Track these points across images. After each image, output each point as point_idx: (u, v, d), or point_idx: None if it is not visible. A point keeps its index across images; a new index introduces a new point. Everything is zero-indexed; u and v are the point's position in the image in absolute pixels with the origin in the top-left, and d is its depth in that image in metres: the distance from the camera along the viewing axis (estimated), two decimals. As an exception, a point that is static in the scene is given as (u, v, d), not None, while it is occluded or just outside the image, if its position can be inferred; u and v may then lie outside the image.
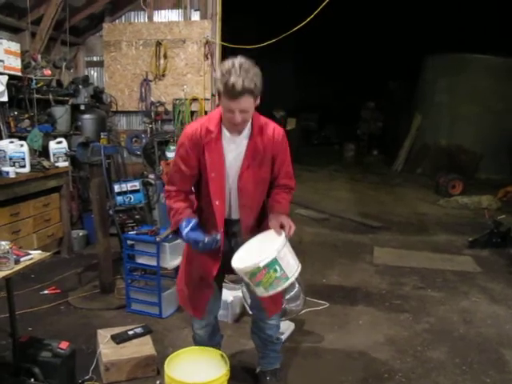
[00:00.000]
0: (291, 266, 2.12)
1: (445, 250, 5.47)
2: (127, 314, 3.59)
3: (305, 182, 9.28)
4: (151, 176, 5.34)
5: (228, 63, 2.03)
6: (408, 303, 3.95)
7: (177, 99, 6.16)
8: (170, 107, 6.20)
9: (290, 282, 2.12)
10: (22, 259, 2.37)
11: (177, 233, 2.30)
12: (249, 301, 3.27)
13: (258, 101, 2.13)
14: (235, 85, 1.97)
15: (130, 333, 2.93)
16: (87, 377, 2.71)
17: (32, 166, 4.42)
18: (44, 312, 3.59)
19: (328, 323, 3.55)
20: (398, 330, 3.47)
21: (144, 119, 6.34)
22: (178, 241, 3.66)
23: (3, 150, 4.30)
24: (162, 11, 6.35)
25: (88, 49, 6.62)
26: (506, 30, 10.50)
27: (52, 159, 4.82)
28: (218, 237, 2.21)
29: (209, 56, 6.08)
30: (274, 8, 12.59)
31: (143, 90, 6.25)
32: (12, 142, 4.40)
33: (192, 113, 6.15)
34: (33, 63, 5.20)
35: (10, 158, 4.29)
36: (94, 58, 6.63)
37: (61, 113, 5.35)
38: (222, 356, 2.31)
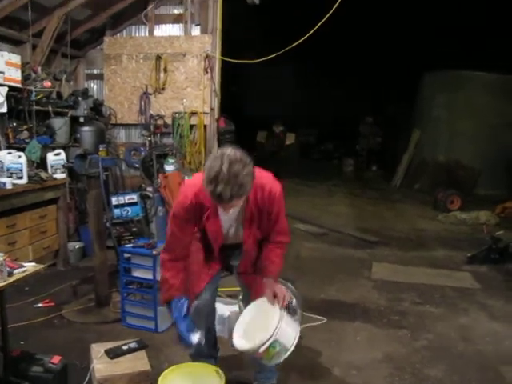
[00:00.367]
0: (289, 337, 2.18)
1: (443, 265, 5.44)
2: (122, 328, 3.54)
3: (304, 197, 9.29)
4: (149, 189, 5.33)
5: (216, 166, 1.90)
6: (406, 319, 3.91)
7: (176, 112, 6.18)
8: (169, 120, 6.22)
9: (290, 351, 2.19)
10: (15, 271, 2.34)
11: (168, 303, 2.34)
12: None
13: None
14: (222, 194, 1.90)
15: (125, 347, 2.87)
16: (80, 392, 2.66)
17: (29, 177, 4.41)
18: (37, 325, 3.54)
19: (325, 339, 3.51)
20: (396, 347, 3.43)
21: (143, 132, 6.35)
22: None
23: (1, 161, 4.31)
24: (163, 25, 6.42)
25: (88, 61, 6.66)
26: (502, 48, 10.62)
27: (50, 171, 4.81)
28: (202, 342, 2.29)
29: (208, 70, 6.13)
30: (275, 23, 12.73)
31: (143, 103, 6.28)
32: (10, 153, 4.40)
33: (191, 126, 6.17)
34: (33, 75, 5.23)
35: (8, 169, 4.29)
36: (95, 71, 6.68)
37: (60, 124, 5.36)
38: (217, 372, 2.27)
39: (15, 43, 5.35)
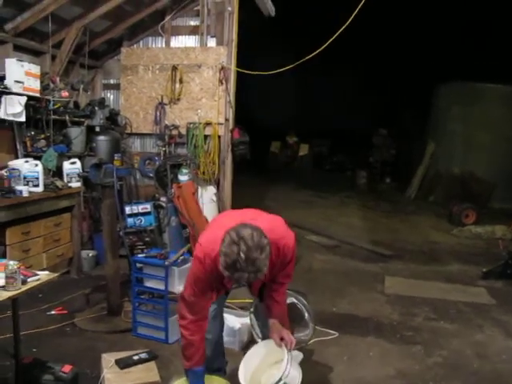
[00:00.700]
0: (294, 379, 2.25)
1: (458, 280, 5.36)
2: (133, 338, 3.54)
3: (316, 208, 9.26)
4: (163, 199, 5.35)
5: (233, 253, 1.90)
6: (420, 335, 3.85)
7: (191, 123, 6.22)
8: (183, 131, 6.26)
9: None
10: (29, 279, 2.37)
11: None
12: (257, 328, 3.23)
13: None
14: (240, 280, 1.98)
15: (135, 358, 2.88)
16: (90, 402, 2.67)
17: (45, 185, 4.47)
18: (50, 333, 3.56)
19: (337, 354, 3.47)
20: (410, 363, 3.37)
21: (158, 142, 6.41)
22: (187, 265, 3.64)
23: (18, 169, 4.36)
24: (180, 37, 6.49)
25: (106, 72, 6.76)
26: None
27: (65, 179, 4.88)
28: None
29: (223, 81, 6.16)
30: (289, 34, 12.80)
31: (158, 113, 6.33)
32: (27, 162, 4.46)
33: (205, 137, 6.20)
34: (51, 85, 5.31)
35: (25, 178, 4.35)
36: (111, 81, 6.77)
37: (76, 134, 5.43)
38: (227, 385, 2.26)
39: (35, 54, 5.46)
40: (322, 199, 10.69)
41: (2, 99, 4.47)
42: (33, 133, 5.08)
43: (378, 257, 6.23)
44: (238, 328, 3.38)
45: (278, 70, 6.07)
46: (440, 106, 11.52)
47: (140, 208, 4.90)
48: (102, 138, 5.67)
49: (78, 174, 4.81)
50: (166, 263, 3.43)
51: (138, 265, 3.65)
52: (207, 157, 6.17)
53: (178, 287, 3.51)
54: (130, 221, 4.83)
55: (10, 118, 4.59)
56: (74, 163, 4.99)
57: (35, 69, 4.87)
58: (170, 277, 3.50)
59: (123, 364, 2.79)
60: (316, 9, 10.66)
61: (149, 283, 3.62)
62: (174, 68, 6.25)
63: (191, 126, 6.20)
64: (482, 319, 4.23)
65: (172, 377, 2.81)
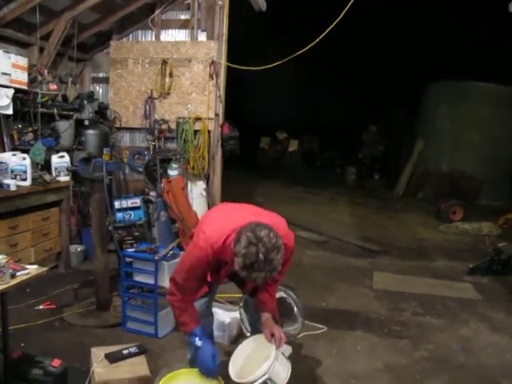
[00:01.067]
0: (281, 376, 2.28)
1: (445, 276, 5.43)
2: (122, 333, 3.54)
3: (306, 204, 9.29)
4: (152, 193, 5.33)
5: (252, 254, 1.94)
6: (407, 330, 3.90)
7: (180, 118, 6.19)
8: (173, 125, 6.23)
9: None
10: (18, 273, 2.35)
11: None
12: (246, 322, 3.24)
13: None
14: (256, 281, 2.03)
15: (125, 352, 2.87)
16: (79, 396, 2.66)
17: (33, 179, 4.42)
18: (38, 328, 3.54)
19: (326, 348, 3.50)
20: (397, 357, 3.42)
21: (147, 136, 6.37)
22: (177, 260, 3.64)
23: (5, 163, 4.31)
24: (170, 30, 6.45)
25: (94, 65, 6.70)
26: (506, 59, 10.64)
27: (54, 173, 4.83)
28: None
29: (214, 76, 6.14)
30: (279, 30, 12.79)
31: (147, 108, 6.30)
32: (15, 155, 4.41)
33: (195, 132, 6.19)
34: (39, 78, 5.25)
35: (12, 171, 4.30)
36: (100, 75, 6.71)
37: (64, 127, 5.38)
38: (217, 378, 2.26)
39: (23, 45, 5.38)
40: (312, 195, 10.73)
41: (-11, 92, 4.41)
42: (20, 126, 5.00)
43: (366, 252, 6.28)
44: (228, 322, 3.39)
45: (268, 66, 6.06)
46: (429, 103, 11.60)
47: (129, 202, 4.88)
48: (90, 131, 5.63)
49: (67, 168, 4.77)
50: (156, 257, 3.42)
51: (128, 259, 3.64)
52: (197, 152, 6.16)
53: (167, 281, 3.50)
54: (119, 215, 4.81)
55: (-3, 111, 4.54)
56: (62, 157, 4.95)
57: (22, 61, 4.81)
58: (160, 271, 3.50)
59: (113, 358, 2.79)
60: (307, 4, 10.65)
61: (138, 278, 3.62)
62: (164, 62, 6.22)
63: (181, 120, 6.18)
64: (467, 314, 4.29)
65: (161, 370, 2.82)
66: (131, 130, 6.55)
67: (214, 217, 2.44)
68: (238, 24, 6.48)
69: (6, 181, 4.12)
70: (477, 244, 7.02)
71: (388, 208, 9.86)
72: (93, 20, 6.13)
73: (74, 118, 5.66)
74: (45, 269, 2.58)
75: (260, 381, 2.18)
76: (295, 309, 3.18)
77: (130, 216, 4.84)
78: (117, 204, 4.87)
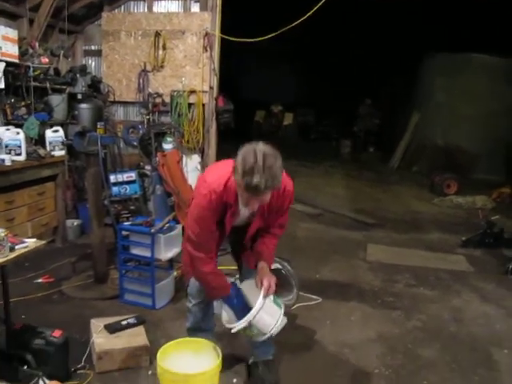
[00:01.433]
0: (267, 325, 2.30)
1: (438, 248, 5.51)
2: (121, 305, 3.59)
3: (301, 178, 9.26)
4: (147, 167, 5.33)
5: (250, 158, 1.97)
6: (400, 301, 3.98)
7: (175, 91, 6.14)
8: (167, 99, 6.18)
9: (268, 335, 2.33)
10: (17, 247, 2.37)
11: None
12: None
13: None
14: (258, 186, 1.96)
15: (124, 323, 2.93)
16: (80, 365, 2.72)
17: (28, 154, 4.39)
18: (37, 300, 3.59)
19: (320, 318, 3.57)
20: (390, 327, 3.50)
21: (141, 110, 6.33)
22: (173, 233, 3.67)
23: (-1, 138, 4.28)
24: (162, 1, 6.34)
25: (86, 38, 6.58)
26: (504, 30, 10.51)
27: (48, 148, 4.80)
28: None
29: (208, 48, 6.07)
30: (275, 3, 12.54)
31: (141, 81, 6.24)
32: (8, 130, 4.38)
33: (189, 105, 6.14)
34: (30, 50, 5.17)
35: (6, 146, 4.27)
36: (92, 47, 6.61)
37: (58, 101, 5.33)
38: (214, 348, 2.32)
39: (12, 17, 5.27)
40: (307, 168, 10.74)
41: (-21, 65, 4.35)
42: (13, 100, 4.95)
43: (360, 225, 6.34)
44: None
45: (263, 37, 5.97)
46: (425, 76, 11.51)
47: (125, 176, 4.88)
48: (84, 105, 5.56)
49: (62, 142, 4.74)
50: (152, 231, 3.45)
51: (124, 233, 3.67)
52: (191, 125, 6.13)
53: (164, 254, 3.55)
54: (114, 189, 4.81)
55: (-11, 85, 4.48)
56: (56, 131, 4.91)
57: (12, 33, 4.73)
58: (156, 244, 3.52)
59: (112, 329, 2.85)
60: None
61: (135, 251, 3.64)
62: (157, 34, 6.13)
63: (175, 93, 6.13)
64: (460, 286, 4.38)
65: (160, 340, 2.88)
66: (125, 103, 6.49)
67: (213, 167, 2.51)
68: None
69: (1, 156, 4.10)
70: (470, 217, 7.09)
71: (382, 181, 9.91)
72: (84, -10, 6.01)
73: (67, 91, 5.61)
74: (43, 242, 2.60)
75: (241, 326, 2.24)
76: (290, 280, 3.24)
77: (126, 190, 4.85)
78: (112, 178, 4.87)
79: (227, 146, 8.86)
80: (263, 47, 6.66)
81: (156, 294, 3.52)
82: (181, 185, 5.34)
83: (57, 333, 2.54)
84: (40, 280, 3.95)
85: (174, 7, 6.29)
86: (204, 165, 6.11)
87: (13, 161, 4.16)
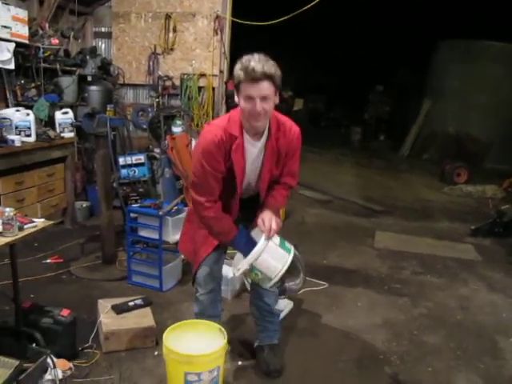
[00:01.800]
0: (272, 269, 2.21)
1: (447, 237, 5.47)
2: (128, 286, 3.62)
3: (310, 164, 9.26)
4: (156, 150, 5.33)
5: (247, 55, 2.10)
6: (407, 288, 3.97)
7: (185, 74, 6.12)
8: (177, 82, 6.16)
9: (274, 281, 2.24)
10: (25, 226, 2.38)
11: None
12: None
13: (278, 98, 2.22)
14: (255, 68, 2.03)
15: (131, 304, 2.96)
16: (87, 345, 2.75)
17: (38, 135, 4.41)
18: (46, 280, 3.63)
19: (326, 303, 3.58)
20: (396, 314, 3.50)
21: (151, 93, 6.31)
22: (181, 215, 3.68)
23: (9, 119, 4.29)
24: (173, -17, 6.26)
25: (96, 19, 6.55)
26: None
27: (58, 129, 4.81)
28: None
29: (218, 31, 6.01)
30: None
31: (151, 64, 6.21)
32: (18, 111, 4.39)
33: (199, 88, 6.11)
34: (40, 31, 5.15)
35: (16, 127, 4.29)
36: (103, 29, 6.57)
37: (68, 83, 5.33)
38: (220, 330, 2.34)
39: (22, -2, 5.26)
40: (316, 155, 10.69)
41: (-11, 45, 4.35)
42: (23, 81, 4.96)
43: (369, 212, 6.32)
44: (231, 277, 3.46)
45: (275, 21, 5.91)
46: (438, 63, 11.34)
47: (134, 159, 4.89)
48: (94, 88, 5.57)
49: (71, 124, 4.75)
50: (160, 213, 3.45)
51: (133, 215, 3.68)
52: (201, 109, 6.11)
53: (171, 237, 3.57)
54: (123, 172, 4.82)
55: (-1, 65, 4.48)
56: (66, 113, 4.92)
57: (23, 14, 4.70)
58: (164, 226, 3.54)
59: (119, 309, 2.87)
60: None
61: (143, 233, 3.66)
62: (168, 16, 6.09)
63: (185, 77, 6.10)
64: (467, 274, 4.36)
65: (166, 322, 2.91)
66: (135, 86, 6.48)
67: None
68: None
69: (11, 136, 4.11)
70: (480, 206, 7.04)
71: (392, 169, 9.85)
72: (94, -29, 5.96)
73: (77, 73, 5.59)
74: (51, 222, 2.61)
75: (243, 269, 2.18)
76: (297, 264, 3.22)
77: (135, 172, 4.86)
78: (121, 161, 4.88)
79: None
80: (275, 31, 6.57)
81: (163, 276, 3.54)
82: (189, 168, 5.32)
83: (65, 312, 2.57)
84: (49, 260, 3.99)
85: (185, -11, 6.23)
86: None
87: (23, 142, 4.18)
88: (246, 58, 2.09)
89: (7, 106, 4.73)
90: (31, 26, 5.01)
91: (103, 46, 6.62)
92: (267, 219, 2.27)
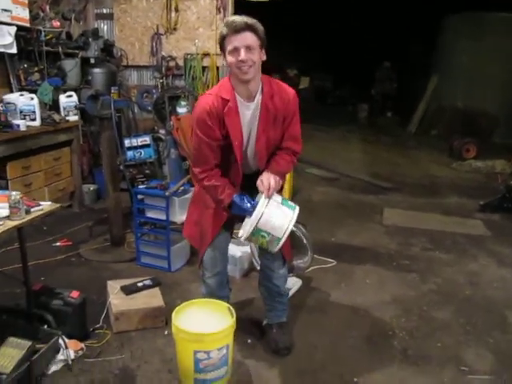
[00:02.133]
0: (278, 228, 2.15)
1: (456, 213, 5.43)
2: (137, 267, 3.65)
3: (317, 142, 9.19)
4: (162, 131, 5.30)
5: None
6: (416, 264, 3.96)
7: (188, 54, 6.05)
8: (181, 62, 6.10)
9: (283, 240, 2.16)
10: (32, 210, 2.39)
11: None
12: (257, 256, 3.31)
13: (264, 55, 2.18)
14: (236, 20, 2.10)
15: (140, 284, 2.98)
16: (98, 325, 2.78)
17: (42, 119, 4.40)
18: (56, 263, 3.66)
19: (335, 281, 3.58)
20: (405, 290, 3.49)
21: (155, 74, 6.26)
22: (187, 195, 3.68)
23: (13, 103, 4.28)
24: (174, -39, 6.14)
25: (97, 0, 6.46)
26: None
27: (62, 113, 4.79)
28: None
29: (221, 9, 5.92)
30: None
31: (154, 44, 6.15)
32: (22, 95, 4.38)
33: (203, 68, 6.04)
34: (41, 14, 5.10)
35: (21, 111, 4.28)
36: (104, 10, 6.49)
37: (71, 66, 5.29)
38: (228, 309, 2.35)
39: (22, -21, 5.18)
40: (323, 133, 10.60)
41: (-10, 29, 4.31)
42: (26, 66, 4.93)
43: (377, 189, 6.28)
44: (239, 256, 3.47)
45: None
46: (447, 37, 11.08)
47: (139, 141, 4.87)
48: (97, 70, 5.53)
49: (75, 107, 4.73)
50: (167, 194, 3.45)
51: (139, 196, 3.68)
52: (205, 88, 6.05)
53: (179, 217, 3.57)
54: (129, 154, 4.81)
55: (1, 50, 4.44)
56: (70, 96, 4.89)
57: (23, -4, 4.64)
58: (171, 207, 3.54)
59: (128, 290, 2.89)
60: None
61: (150, 214, 3.67)
62: (170, -5, 5.99)
63: (189, 57, 6.04)
64: (476, 250, 4.33)
65: (175, 301, 2.93)
66: (138, 67, 6.43)
67: None
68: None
69: (16, 121, 4.11)
70: (489, 182, 6.97)
71: (400, 145, 9.75)
72: (94, -50, 5.86)
73: (80, 56, 5.55)
74: (58, 205, 2.61)
75: (247, 234, 2.15)
76: (305, 241, 3.22)
77: (141, 154, 4.84)
78: (127, 142, 4.86)
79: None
80: (278, 8, 6.45)
81: (171, 256, 3.56)
82: (195, 149, 5.32)
83: (74, 293, 2.59)
84: (58, 243, 4.03)
85: (186, -34, 6.12)
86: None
87: (28, 126, 4.17)
88: (231, 18, 2.16)
89: (11, 91, 4.72)
90: (32, 8, 4.95)
91: (105, 27, 6.54)
92: (265, 178, 2.23)
